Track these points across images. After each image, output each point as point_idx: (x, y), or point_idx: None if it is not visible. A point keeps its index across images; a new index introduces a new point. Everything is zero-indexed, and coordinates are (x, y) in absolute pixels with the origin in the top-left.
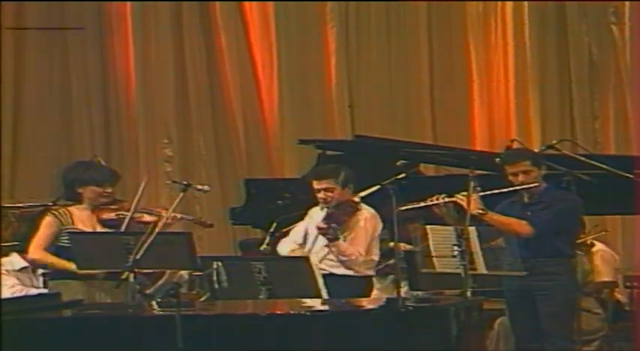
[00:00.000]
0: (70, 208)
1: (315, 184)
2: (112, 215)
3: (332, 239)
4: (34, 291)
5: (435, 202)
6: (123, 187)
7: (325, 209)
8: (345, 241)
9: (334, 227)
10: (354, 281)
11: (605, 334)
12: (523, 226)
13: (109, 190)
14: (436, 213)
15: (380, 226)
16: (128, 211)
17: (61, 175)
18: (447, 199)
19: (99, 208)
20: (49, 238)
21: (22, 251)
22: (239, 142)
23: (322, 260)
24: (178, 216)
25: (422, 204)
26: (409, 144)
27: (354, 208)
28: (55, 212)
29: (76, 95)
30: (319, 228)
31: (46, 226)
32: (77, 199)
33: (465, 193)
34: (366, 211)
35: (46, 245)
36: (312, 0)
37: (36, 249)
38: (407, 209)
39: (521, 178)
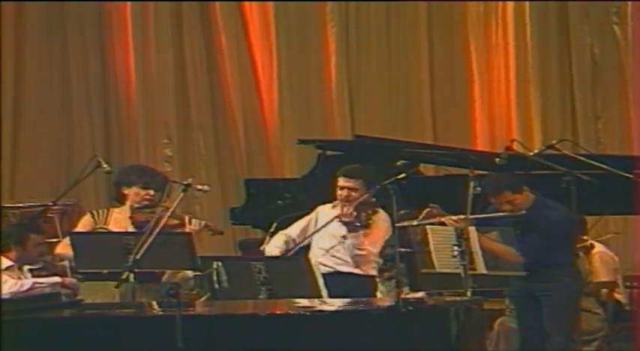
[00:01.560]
0: (111, 209)
1: (342, 181)
2: (145, 218)
3: (355, 228)
4: (27, 281)
5: (428, 221)
6: None
7: (340, 206)
8: (359, 234)
9: (359, 218)
10: (360, 280)
11: (605, 334)
12: (513, 256)
13: (152, 193)
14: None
15: (391, 231)
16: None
17: (114, 174)
18: (439, 219)
19: (137, 210)
20: None
21: (4, 251)
22: (239, 142)
23: (326, 255)
24: (202, 223)
25: (414, 222)
26: (409, 144)
27: (374, 210)
28: (94, 212)
29: (76, 95)
30: (344, 216)
31: (82, 225)
32: (121, 200)
33: (455, 218)
34: (383, 214)
35: None
36: (312, 0)
37: (64, 244)
38: (401, 226)
39: (506, 207)
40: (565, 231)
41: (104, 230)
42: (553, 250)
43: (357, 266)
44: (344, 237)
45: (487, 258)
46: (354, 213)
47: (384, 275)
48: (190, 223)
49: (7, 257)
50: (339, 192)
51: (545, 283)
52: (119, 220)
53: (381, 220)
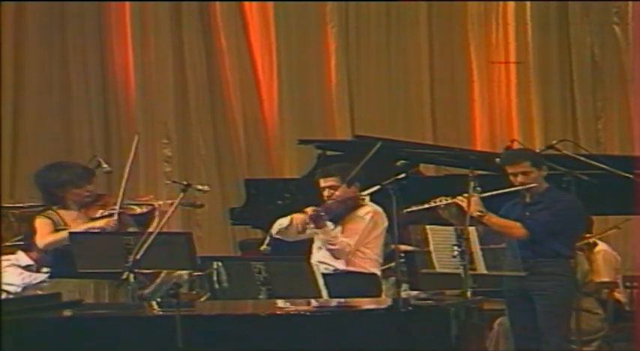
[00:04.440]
0: (58, 211)
1: (322, 182)
2: (100, 212)
3: (317, 224)
4: (41, 275)
5: (437, 204)
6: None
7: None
8: (336, 230)
9: (322, 213)
10: (360, 278)
11: (605, 334)
12: (518, 229)
13: (89, 188)
14: (440, 214)
15: (385, 223)
16: (115, 205)
17: (35, 180)
18: (448, 201)
19: (85, 207)
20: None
21: (27, 250)
22: (239, 142)
23: (324, 252)
24: (169, 201)
25: (425, 206)
26: (409, 144)
27: (357, 204)
28: (44, 214)
29: (75, 95)
30: (308, 212)
31: (44, 224)
32: (61, 202)
33: (466, 195)
34: (370, 207)
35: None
36: (312, 0)
37: (43, 237)
38: (410, 211)
39: (520, 178)
40: (572, 220)
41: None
42: (556, 234)
43: (338, 259)
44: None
45: (487, 258)
46: (316, 211)
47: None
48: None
49: (29, 256)
50: (322, 194)
51: (540, 282)
52: (74, 220)
53: (363, 214)
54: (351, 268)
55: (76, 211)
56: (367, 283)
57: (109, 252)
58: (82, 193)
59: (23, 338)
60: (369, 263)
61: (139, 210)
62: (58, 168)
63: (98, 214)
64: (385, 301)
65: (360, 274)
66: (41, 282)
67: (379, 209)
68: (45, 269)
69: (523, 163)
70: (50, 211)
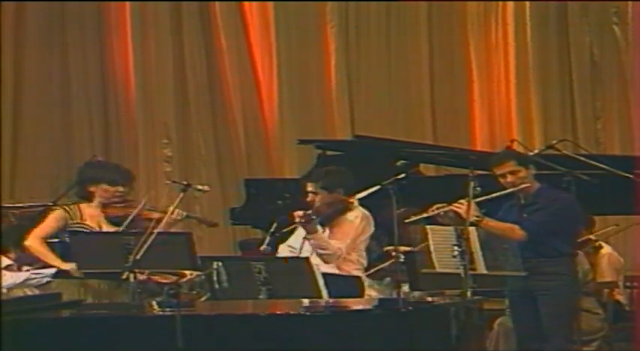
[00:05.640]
0: (80, 205)
1: (308, 186)
2: (119, 212)
3: (308, 229)
4: (23, 273)
5: (435, 212)
6: None
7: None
8: (326, 233)
9: (313, 218)
10: (343, 281)
11: (605, 334)
12: (516, 231)
13: (121, 189)
14: (438, 221)
15: (371, 229)
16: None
17: (77, 171)
18: (445, 209)
19: (108, 206)
20: (52, 230)
21: (4, 252)
22: (239, 142)
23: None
24: (184, 213)
25: (423, 215)
26: (409, 144)
27: (346, 207)
28: (66, 207)
29: (75, 95)
30: (299, 216)
31: (54, 218)
32: (88, 197)
33: (462, 201)
34: (359, 211)
35: (46, 236)
36: (312, 0)
37: (34, 237)
38: (410, 221)
39: (509, 178)
40: (570, 218)
41: (80, 226)
42: (556, 233)
43: (327, 263)
44: (306, 238)
45: (487, 258)
46: (307, 215)
47: (376, 275)
48: (173, 213)
49: (7, 257)
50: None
51: (544, 282)
52: (92, 216)
53: (353, 217)
54: (334, 271)
55: (99, 209)
56: (349, 286)
57: (109, 252)
58: (113, 191)
59: (23, 338)
60: (353, 267)
61: (153, 215)
62: (99, 165)
63: (116, 213)
64: (385, 301)
65: (342, 276)
66: (26, 280)
67: (368, 214)
68: (26, 268)
69: (508, 162)
70: (74, 206)
